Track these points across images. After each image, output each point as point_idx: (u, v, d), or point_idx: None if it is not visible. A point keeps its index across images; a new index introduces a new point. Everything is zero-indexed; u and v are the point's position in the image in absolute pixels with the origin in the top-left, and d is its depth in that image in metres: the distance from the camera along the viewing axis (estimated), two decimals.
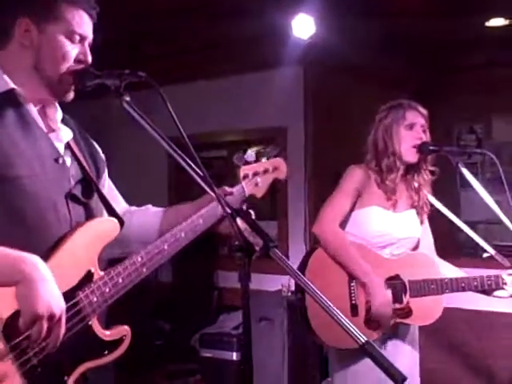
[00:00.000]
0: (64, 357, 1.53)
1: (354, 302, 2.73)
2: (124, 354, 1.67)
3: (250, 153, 2.08)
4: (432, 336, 3.09)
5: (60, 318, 1.45)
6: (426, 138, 2.85)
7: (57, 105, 1.77)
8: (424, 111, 2.88)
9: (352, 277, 2.75)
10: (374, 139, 2.89)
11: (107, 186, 1.98)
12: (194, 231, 1.81)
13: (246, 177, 2.03)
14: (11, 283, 1.41)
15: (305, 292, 2.68)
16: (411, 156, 2.82)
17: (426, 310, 2.78)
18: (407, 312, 2.75)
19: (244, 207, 1.73)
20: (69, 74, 1.67)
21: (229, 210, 1.44)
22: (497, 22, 4.89)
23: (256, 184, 2.06)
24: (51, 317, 1.43)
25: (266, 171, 2.09)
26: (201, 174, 1.48)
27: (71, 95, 1.73)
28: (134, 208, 2.06)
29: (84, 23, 1.68)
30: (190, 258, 5.38)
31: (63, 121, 1.80)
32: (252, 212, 1.74)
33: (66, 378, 1.55)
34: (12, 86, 1.64)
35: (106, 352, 1.63)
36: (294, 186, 5.31)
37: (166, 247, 1.72)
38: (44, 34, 1.66)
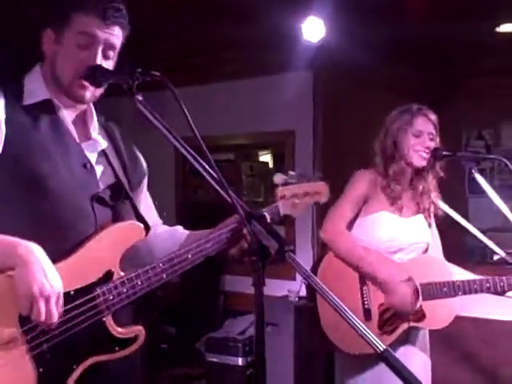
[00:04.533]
0: (75, 347, 1.60)
1: (366, 306, 2.71)
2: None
3: (292, 174, 2.11)
4: (442, 344, 3.06)
5: (58, 299, 1.52)
6: (432, 146, 2.83)
7: (94, 116, 1.84)
8: (433, 117, 2.87)
9: (363, 281, 2.73)
10: (382, 144, 2.89)
11: (143, 198, 2.04)
12: (219, 242, 1.81)
13: (283, 197, 2.02)
14: (8, 267, 1.50)
15: (317, 299, 2.67)
16: (419, 161, 2.81)
17: (439, 313, 2.76)
18: (420, 316, 2.73)
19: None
20: (79, 78, 1.71)
21: (243, 214, 1.42)
22: (507, 27, 4.86)
23: (293, 205, 2.05)
24: (46, 297, 1.49)
25: (306, 194, 2.09)
26: (215, 176, 1.45)
27: (87, 97, 1.75)
28: (162, 226, 2.10)
29: (92, 26, 1.70)
30: None
31: (107, 128, 1.90)
32: (267, 215, 1.73)
33: (74, 366, 1.61)
34: (48, 96, 1.74)
35: (117, 348, 1.68)
36: None
37: (189, 256, 1.74)
38: (59, 44, 1.72)
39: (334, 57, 4.84)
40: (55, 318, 1.52)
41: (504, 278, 2.70)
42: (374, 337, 1.25)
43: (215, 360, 5.02)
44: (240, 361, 4.91)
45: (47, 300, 1.49)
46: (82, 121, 1.83)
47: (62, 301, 1.54)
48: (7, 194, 1.62)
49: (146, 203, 2.04)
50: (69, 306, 1.59)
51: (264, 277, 1.35)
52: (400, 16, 4.38)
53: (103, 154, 1.83)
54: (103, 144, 1.83)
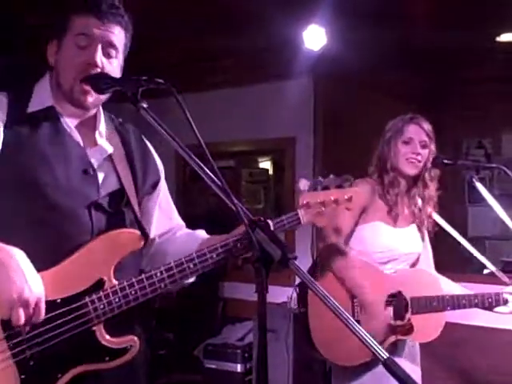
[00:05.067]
0: (61, 355, 1.58)
1: (356, 317, 2.71)
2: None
3: (319, 180, 1.89)
4: (436, 352, 3.07)
5: (36, 305, 1.51)
6: (424, 154, 2.83)
7: (101, 121, 1.82)
8: (426, 126, 2.86)
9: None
10: (378, 153, 2.91)
11: (161, 198, 2.00)
12: (225, 252, 1.70)
13: (305, 205, 1.84)
14: None
15: (308, 312, 2.67)
16: (409, 169, 2.81)
17: (427, 326, 2.77)
18: (408, 329, 2.73)
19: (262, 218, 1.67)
20: (80, 82, 1.70)
21: (247, 221, 1.42)
22: (508, 37, 4.88)
23: (319, 213, 1.87)
24: (25, 302, 1.49)
25: (334, 201, 1.88)
26: (219, 183, 1.45)
27: (89, 102, 1.74)
28: (185, 229, 2.06)
29: (90, 26, 1.70)
30: None
31: (120, 131, 1.88)
32: (271, 223, 1.70)
33: (59, 375, 1.59)
34: (51, 103, 1.75)
35: (108, 358, 1.64)
36: None
37: (191, 265, 1.67)
38: (60, 51, 1.74)
39: (335, 64, 4.85)
40: (35, 322, 1.52)
41: (492, 293, 2.74)
42: (376, 344, 1.25)
43: (213, 366, 5.01)
44: (238, 367, 4.90)
45: (26, 305, 1.49)
46: (89, 126, 1.81)
47: (43, 306, 1.53)
48: (4, 199, 1.62)
49: (163, 206, 2.00)
50: (53, 314, 1.57)
51: (267, 284, 1.36)
52: (402, 25, 4.39)
53: (109, 159, 1.81)
54: (109, 149, 1.81)
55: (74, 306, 1.59)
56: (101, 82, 1.67)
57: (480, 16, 4.35)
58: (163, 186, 2.01)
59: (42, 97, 1.76)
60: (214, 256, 1.69)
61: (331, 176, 1.93)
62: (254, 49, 4.85)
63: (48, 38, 1.78)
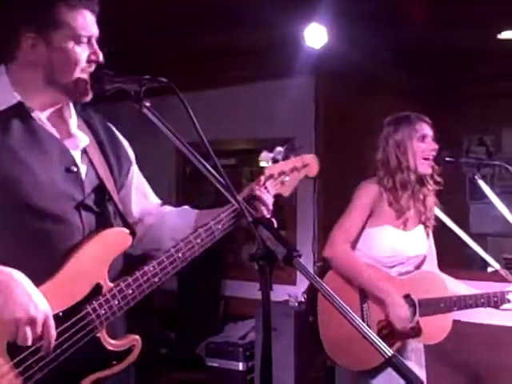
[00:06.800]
0: (70, 369, 1.54)
1: (366, 323, 2.71)
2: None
3: (279, 150, 1.97)
4: (443, 351, 3.07)
5: (45, 322, 1.46)
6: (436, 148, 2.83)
7: (72, 110, 1.75)
8: (430, 122, 2.86)
9: (363, 299, 2.74)
10: (384, 156, 2.84)
11: (136, 183, 1.96)
12: (211, 237, 1.73)
13: (271, 176, 1.92)
14: None
15: (318, 317, 2.67)
16: (425, 168, 2.80)
17: (435, 328, 2.78)
18: (417, 331, 2.74)
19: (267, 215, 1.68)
20: (84, 78, 1.65)
21: (251, 219, 1.42)
22: (509, 34, 4.87)
23: (282, 183, 1.95)
24: (31, 321, 1.43)
25: (294, 169, 1.98)
26: (222, 181, 1.45)
27: (89, 96, 1.69)
28: (168, 207, 2.03)
29: (88, 23, 1.64)
30: (196, 266, 5.34)
31: (86, 119, 1.80)
32: (274, 221, 1.71)
33: None
34: (19, 98, 1.63)
35: (115, 362, 1.63)
36: (303, 196, 5.28)
37: (180, 255, 1.67)
38: (51, 45, 1.63)
39: (336, 63, 4.85)
40: (48, 339, 1.47)
41: (498, 292, 2.76)
42: (381, 342, 1.25)
43: (215, 365, 5.00)
44: (240, 366, 4.89)
45: (33, 323, 1.44)
46: (60, 118, 1.73)
47: (52, 323, 1.48)
48: None
49: (139, 190, 1.97)
50: (59, 329, 1.51)
51: (271, 282, 1.36)
52: (402, 23, 4.39)
53: (85, 151, 1.74)
54: (84, 140, 1.73)
55: (77, 317, 1.55)
56: (104, 81, 1.64)
57: (480, 13, 4.34)
58: (135, 168, 1.96)
59: (2, 95, 1.63)
60: (199, 241, 1.70)
61: (285, 146, 2.01)
62: (255, 47, 4.85)
63: (18, 30, 1.63)
